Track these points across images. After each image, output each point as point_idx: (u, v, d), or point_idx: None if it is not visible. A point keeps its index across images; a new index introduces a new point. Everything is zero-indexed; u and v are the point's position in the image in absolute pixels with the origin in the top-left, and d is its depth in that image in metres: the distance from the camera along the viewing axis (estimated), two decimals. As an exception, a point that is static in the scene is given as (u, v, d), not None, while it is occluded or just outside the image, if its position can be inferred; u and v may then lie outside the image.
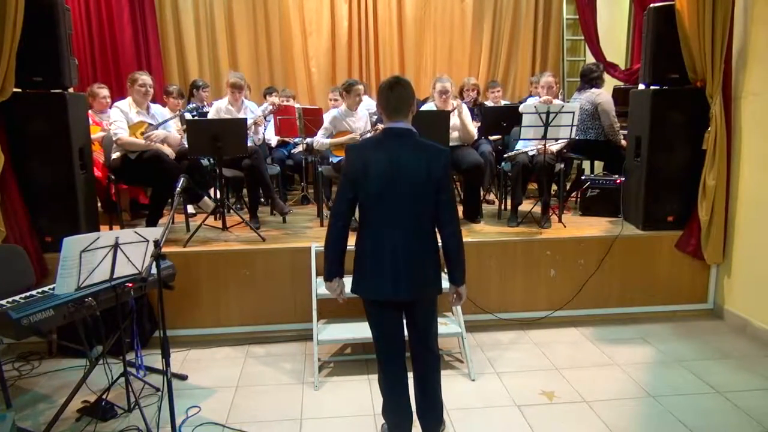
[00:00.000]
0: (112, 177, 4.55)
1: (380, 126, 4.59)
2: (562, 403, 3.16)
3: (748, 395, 3.21)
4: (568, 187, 5.63)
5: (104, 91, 5.32)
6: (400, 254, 2.41)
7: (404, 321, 2.60)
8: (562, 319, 4.24)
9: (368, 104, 6.32)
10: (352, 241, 2.52)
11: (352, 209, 2.47)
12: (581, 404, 3.15)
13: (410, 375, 2.68)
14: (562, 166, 4.88)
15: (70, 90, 3.99)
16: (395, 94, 2.43)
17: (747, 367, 3.55)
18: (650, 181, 4.38)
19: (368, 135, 5.05)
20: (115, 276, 2.90)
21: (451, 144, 4.79)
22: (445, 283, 3.72)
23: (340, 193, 2.47)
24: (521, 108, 5.15)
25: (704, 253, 4.23)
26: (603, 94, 5.32)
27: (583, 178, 5.30)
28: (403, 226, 2.41)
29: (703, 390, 3.28)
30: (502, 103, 6.51)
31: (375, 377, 2.77)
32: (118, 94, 5.64)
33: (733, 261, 4.21)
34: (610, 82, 5.86)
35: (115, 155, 4.52)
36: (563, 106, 4.50)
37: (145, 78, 4.52)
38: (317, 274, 3.83)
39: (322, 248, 3.87)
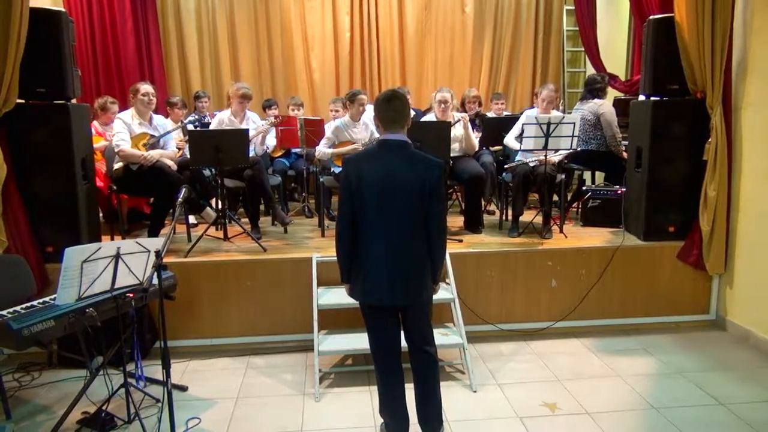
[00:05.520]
0: (114, 187, 4.56)
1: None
2: (565, 415, 3.15)
3: (751, 407, 3.19)
4: (569, 198, 5.63)
5: (116, 107, 5.34)
6: (395, 262, 2.52)
7: (400, 325, 2.69)
8: (564, 330, 4.23)
9: (371, 114, 6.34)
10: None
11: (354, 219, 2.54)
12: (583, 416, 3.13)
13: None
14: (563, 176, 4.89)
15: (73, 101, 4.01)
16: (392, 107, 2.53)
17: (750, 378, 3.53)
18: (651, 192, 4.38)
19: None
20: (116, 286, 2.90)
21: (452, 155, 4.81)
22: (444, 293, 3.76)
23: (341, 208, 2.57)
24: (506, 141, 5.15)
25: (706, 264, 4.22)
26: (606, 105, 5.34)
27: (584, 188, 5.30)
28: (397, 234, 2.51)
29: (705, 402, 3.27)
30: (504, 114, 6.53)
31: (376, 388, 2.77)
32: (120, 105, 5.67)
33: (735, 272, 4.20)
34: (610, 93, 5.88)
35: (117, 165, 4.54)
36: (563, 117, 4.51)
37: (147, 88, 4.55)
38: (318, 285, 3.83)
39: (323, 259, 3.93)
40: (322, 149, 5.01)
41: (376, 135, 5.12)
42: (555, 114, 4.80)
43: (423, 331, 2.69)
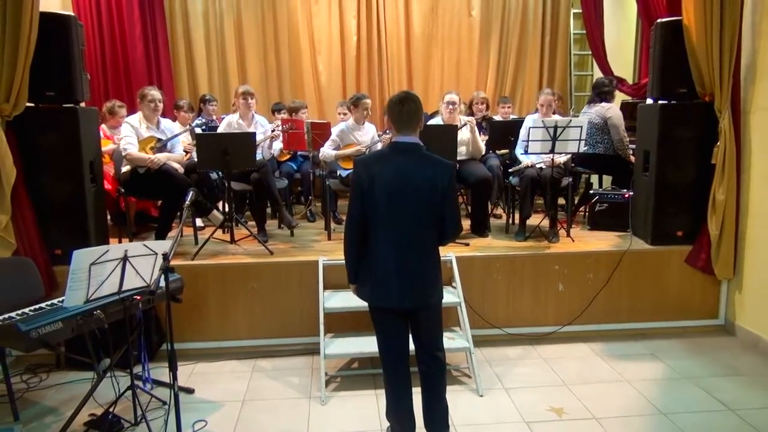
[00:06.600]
0: (122, 190, 4.59)
1: (386, 136, 4.65)
2: (572, 420, 3.13)
3: (761, 413, 3.16)
4: (576, 201, 5.61)
5: (124, 111, 5.40)
6: (404, 264, 2.51)
7: (409, 328, 2.67)
8: (571, 335, 4.21)
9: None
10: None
11: (364, 221, 2.54)
12: (591, 421, 3.11)
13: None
14: (570, 180, 4.87)
15: (82, 104, 4.04)
16: (405, 109, 2.52)
17: (759, 384, 3.50)
18: (659, 196, 4.36)
19: (378, 145, 5.09)
20: (123, 289, 2.91)
21: (459, 158, 4.82)
22: (450, 297, 3.76)
23: (351, 207, 2.56)
24: (516, 154, 5.16)
25: (714, 268, 4.19)
26: (613, 108, 5.32)
27: (591, 192, 5.28)
28: (407, 237, 2.51)
29: (714, 407, 3.24)
30: (511, 117, 6.51)
31: (382, 392, 2.78)
32: (129, 108, 5.71)
33: (744, 276, 4.17)
34: (618, 97, 5.86)
35: (124, 169, 4.56)
36: (571, 121, 4.50)
37: (154, 93, 4.57)
38: (324, 288, 3.83)
39: (330, 262, 3.93)
40: (327, 151, 5.03)
41: (377, 139, 5.15)
42: (557, 118, 4.79)
43: (432, 335, 2.68)
